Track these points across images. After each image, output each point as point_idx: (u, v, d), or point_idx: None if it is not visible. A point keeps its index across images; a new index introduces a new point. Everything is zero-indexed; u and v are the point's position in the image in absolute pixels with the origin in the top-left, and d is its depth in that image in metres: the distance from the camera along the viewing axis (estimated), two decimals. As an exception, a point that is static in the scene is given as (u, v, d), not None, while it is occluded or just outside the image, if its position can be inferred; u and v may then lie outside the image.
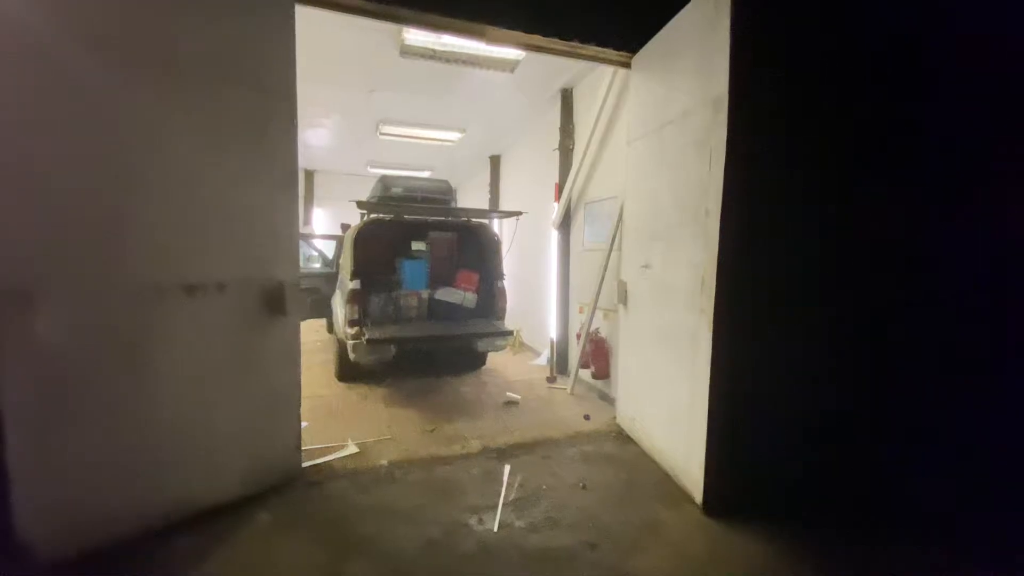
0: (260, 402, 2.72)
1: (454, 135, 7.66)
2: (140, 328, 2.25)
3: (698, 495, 2.68)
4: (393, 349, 4.18)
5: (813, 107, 2.81)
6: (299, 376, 2.95)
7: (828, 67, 2.86)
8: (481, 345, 4.61)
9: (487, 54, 4.65)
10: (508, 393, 4.56)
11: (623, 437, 3.73)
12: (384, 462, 3.25)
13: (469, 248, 5.50)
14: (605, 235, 4.68)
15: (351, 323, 4.36)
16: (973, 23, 3.00)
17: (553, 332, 5.85)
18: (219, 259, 2.50)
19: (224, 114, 2.45)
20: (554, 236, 5.85)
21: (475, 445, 3.55)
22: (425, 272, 5.09)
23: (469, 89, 5.59)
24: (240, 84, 2.50)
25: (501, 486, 2.91)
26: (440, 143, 8.17)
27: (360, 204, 4.33)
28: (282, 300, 2.73)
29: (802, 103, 2.78)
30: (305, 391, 3.24)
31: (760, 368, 2.73)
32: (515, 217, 4.74)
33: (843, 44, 2.90)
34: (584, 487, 2.93)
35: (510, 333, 4.65)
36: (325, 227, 11.24)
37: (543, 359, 6.28)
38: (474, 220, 5.24)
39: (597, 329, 4.65)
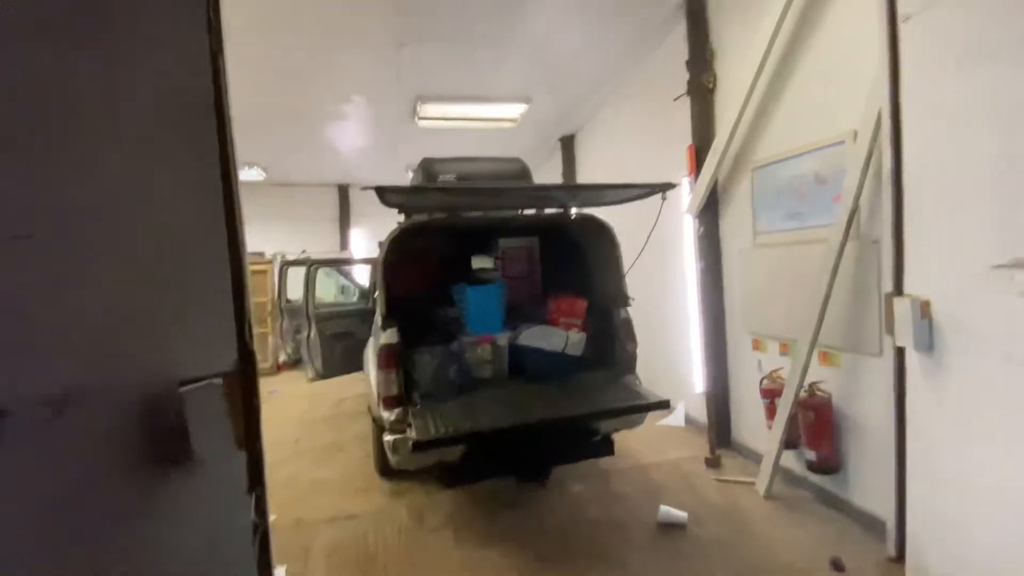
0: None
1: (516, 109, 6.02)
2: None
3: None
4: (460, 448, 2.50)
5: None
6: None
7: None
8: (607, 426, 2.79)
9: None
10: (665, 508, 2.73)
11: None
12: None
13: (565, 258, 3.68)
14: (808, 214, 2.81)
15: (386, 402, 2.71)
16: None
17: (699, 378, 3.98)
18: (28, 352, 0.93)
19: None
20: (688, 227, 4.03)
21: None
22: (500, 303, 3.35)
23: (536, 26, 3.93)
24: None
25: None
26: (496, 125, 6.57)
27: (381, 191, 2.68)
28: (180, 429, 1.13)
29: None
30: (329, 501, 2.36)
31: None
32: (661, 195, 2.85)
33: None
34: None
35: (665, 403, 2.74)
36: (365, 251, 9.93)
37: (678, 417, 4.40)
38: (574, 210, 3.29)
39: (815, 384, 2.75)
